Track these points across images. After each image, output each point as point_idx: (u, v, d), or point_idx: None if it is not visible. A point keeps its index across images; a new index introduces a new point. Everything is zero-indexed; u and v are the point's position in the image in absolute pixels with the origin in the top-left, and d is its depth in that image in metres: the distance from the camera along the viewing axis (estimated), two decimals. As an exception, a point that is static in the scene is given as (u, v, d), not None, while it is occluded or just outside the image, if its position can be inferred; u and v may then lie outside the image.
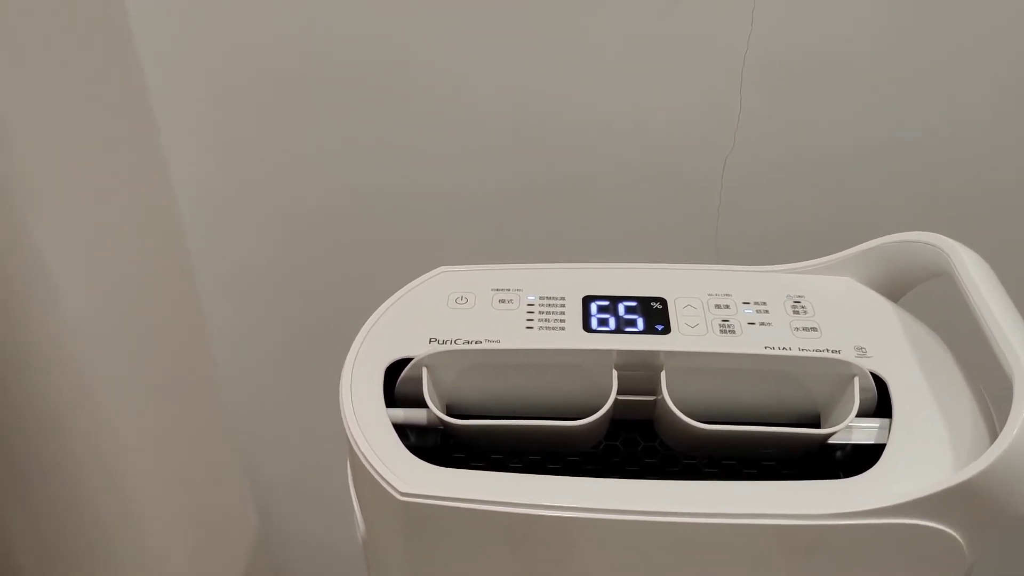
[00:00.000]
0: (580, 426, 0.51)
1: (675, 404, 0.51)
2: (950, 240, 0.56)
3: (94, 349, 0.71)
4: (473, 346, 0.55)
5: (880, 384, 0.53)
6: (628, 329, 0.56)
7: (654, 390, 0.54)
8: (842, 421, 0.51)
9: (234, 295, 0.90)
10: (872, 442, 0.52)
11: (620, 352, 0.54)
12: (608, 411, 0.52)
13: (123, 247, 0.75)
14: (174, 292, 0.83)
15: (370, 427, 0.51)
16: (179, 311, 0.85)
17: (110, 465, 0.75)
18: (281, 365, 0.94)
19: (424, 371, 0.53)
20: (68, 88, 0.67)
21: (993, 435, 0.49)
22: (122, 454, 0.76)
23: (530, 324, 0.57)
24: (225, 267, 0.88)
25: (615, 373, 0.53)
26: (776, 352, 0.54)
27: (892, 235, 0.59)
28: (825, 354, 0.54)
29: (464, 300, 0.59)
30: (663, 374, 0.53)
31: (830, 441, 0.53)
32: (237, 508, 1.00)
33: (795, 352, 0.54)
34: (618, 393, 0.53)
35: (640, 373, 0.54)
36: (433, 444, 0.55)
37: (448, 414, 0.54)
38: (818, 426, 0.55)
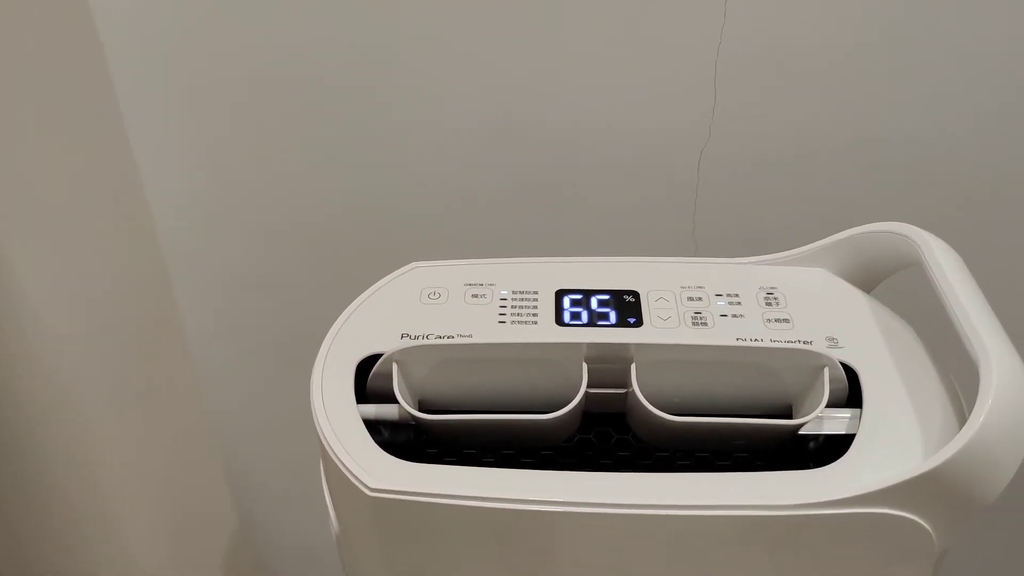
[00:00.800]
0: (550, 420, 0.51)
1: (646, 397, 0.52)
2: (920, 230, 0.56)
3: (66, 349, 0.71)
4: (444, 340, 0.55)
5: (851, 374, 0.53)
6: (600, 323, 0.56)
7: (625, 383, 0.54)
8: (812, 411, 0.51)
9: (210, 294, 0.89)
10: (843, 432, 0.52)
11: (589, 345, 0.54)
12: (579, 404, 0.52)
13: (95, 248, 0.75)
14: (149, 292, 0.83)
15: (340, 423, 0.51)
16: (154, 310, 0.84)
17: (85, 464, 0.75)
18: (259, 363, 0.94)
19: (394, 367, 0.53)
20: (34, 89, 0.67)
21: (963, 425, 0.49)
22: (98, 452, 0.76)
23: (503, 319, 0.57)
24: (201, 266, 0.87)
25: (585, 366, 0.53)
26: (746, 344, 0.54)
27: (864, 226, 0.59)
28: (795, 344, 0.54)
29: (436, 295, 0.59)
30: (633, 367, 0.53)
31: (801, 432, 0.53)
32: (216, 506, 1.00)
33: (765, 344, 0.54)
34: (589, 386, 0.53)
35: (611, 366, 0.54)
36: (406, 440, 0.55)
37: (421, 409, 0.54)
38: (790, 417, 0.55)
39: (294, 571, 1.14)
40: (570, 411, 0.51)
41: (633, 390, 0.52)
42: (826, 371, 0.52)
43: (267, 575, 1.14)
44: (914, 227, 0.56)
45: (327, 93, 0.78)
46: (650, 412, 0.51)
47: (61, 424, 0.72)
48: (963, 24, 0.72)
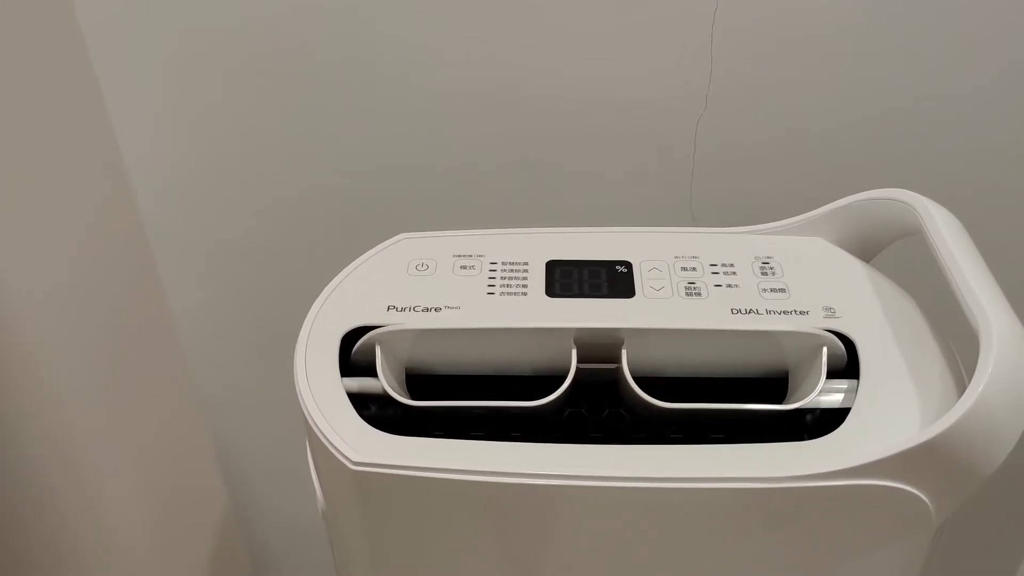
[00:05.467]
0: (538, 406, 0.50)
1: (639, 363, 0.50)
2: (920, 196, 0.54)
3: (44, 326, 0.69)
4: (431, 314, 0.54)
5: (849, 344, 0.52)
6: (592, 293, 0.55)
7: (616, 357, 0.52)
8: (808, 391, 0.50)
9: (195, 271, 0.88)
10: (839, 406, 0.51)
11: (579, 331, 0.52)
12: (567, 388, 0.51)
13: (74, 227, 0.73)
14: (131, 267, 0.82)
15: (324, 397, 0.50)
16: (136, 285, 0.83)
17: (68, 446, 0.74)
18: (245, 337, 0.93)
19: (377, 349, 0.52)
20: (9, 68, 0.65)
21: (961, 394, 0.48)
22: (81, 433, 0.75)
23: (491, 290, 0.56)
24: (184, 240, 0.86)
25: (575, 350, 0.52)
26: (738, 327, 0.52)
27: (862, 193, 0.58)
28: (791, 316, 0.53)
29: (424, 266, 0.58)
30: (623, 349, 0.52)
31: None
32: (205, 483, 0.99)
33: (760, 326, 0.52)
34: (580, 361, 0.52)
35: (601, 343, 0.52)
36: (394, 413, 0.53)
37: (408, 374, 0.53)
38: (786, 379, 0.54)
39: (284, 549, 1.13)
40: (558, 397, 0.50)
41: (624, 376, 0.51)
42: (824, 351, 0.51)
43: (257, 552, 1.13)
44: (914, 194, 0.55)
45: (312, 64, 0.76)
46: (641, 398, 0.49)
47: (39, 402, 0.70)
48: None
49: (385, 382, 0.51)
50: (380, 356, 0.52)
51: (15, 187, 0.66)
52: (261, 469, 1.05)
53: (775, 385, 0.54)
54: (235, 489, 1.05)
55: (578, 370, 0.51)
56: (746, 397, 0.52)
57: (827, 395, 0.51)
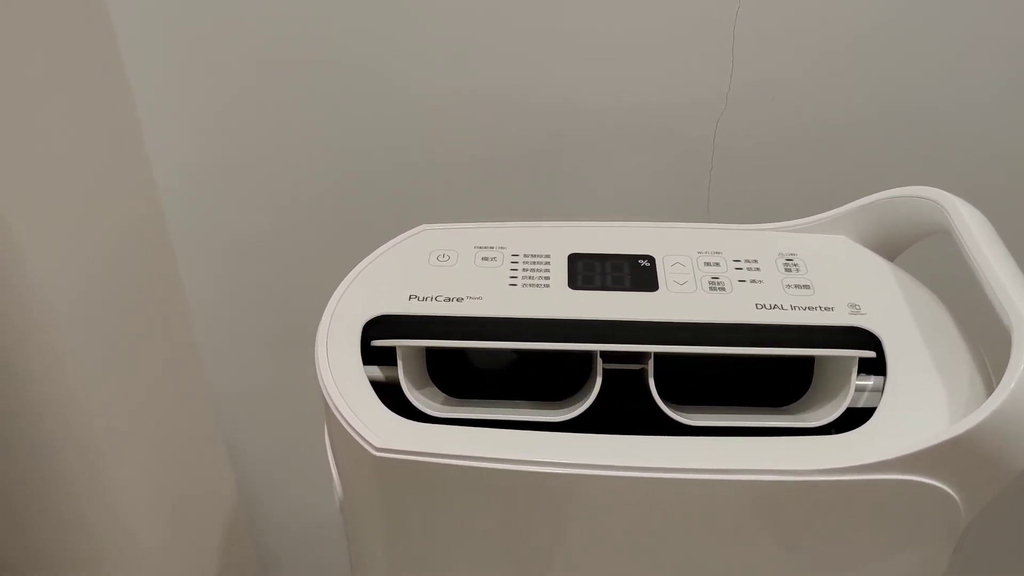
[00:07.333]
0: (563, 422, 0.50)
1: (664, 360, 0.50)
2: (948, 194, 0.54)
3: (66, 321, 0.69)
4: (453, 303, 0.53)
5: (875, 341, 0.51)
6: (615, 286, 0.55)
7: (641, 358, 0.52)
8: (835, 397, 0.50)
9: (213, 267, 0.87)
10: (865, 405, 0.50)
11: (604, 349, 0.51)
12: (592, 402, 0.50)
13: (98, 220, 0.73)
14: (152, 264, 0.82)
15: (345, 383, 0.49)
16: (157, 283, 0.83)
17: (84, 437, 0.74)
18: (263, 330, 0.92)
19: (400, 360, 0.51)
20: (39, 54, 0.65)
21: (990, 392, 0.47)
22: (97, 426, 0.74)
23: (513, 281, 0.55)
24: (204, 239, 0.85)
25: (600, 362, 0.51)
26: (770, 349, 0.51)
27: (888, 191, 0.57)
28: (816, 312, 0.52)
29: (446, 257, 0.57)
30: (650, 362, 0.51)
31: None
32: (216, 481, 0.99)
33: (790, 348, 0.51)
34: (604, 361, 0.51)
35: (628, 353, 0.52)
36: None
37: (428, 351, 0.54)
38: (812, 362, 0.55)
39: (292, 550, 1.12)
40: (583, 412, 0.50)
41: (650, 391, 0.50)
42: (855, 364, 0.50)
43: (264, 553, 1.12)
44: (943, 191, 0.54)
45: (333, 59, 0.76)
46: (667, 415, 0.49)
47: (59, 395, 0.70)
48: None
49: (408, 391, 0.51)
50: (402, 368, 0.51)
51: (47, 177, 0.66)
52: (272, 469, 1.04)
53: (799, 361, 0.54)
54: (245, 489, 1.04)
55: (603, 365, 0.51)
56: (770, 376, 0.51)
57: (855, 395, 0.50)
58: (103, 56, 0.73)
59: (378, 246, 0.59)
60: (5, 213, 0.62)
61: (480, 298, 0.54)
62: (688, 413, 0.51)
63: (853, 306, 0.53)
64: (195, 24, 0.75)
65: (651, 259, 0.57)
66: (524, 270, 0.56)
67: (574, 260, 0.57)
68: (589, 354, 0.52)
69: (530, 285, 0.55)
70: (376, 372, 0.51)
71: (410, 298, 0.54)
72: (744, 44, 0.72)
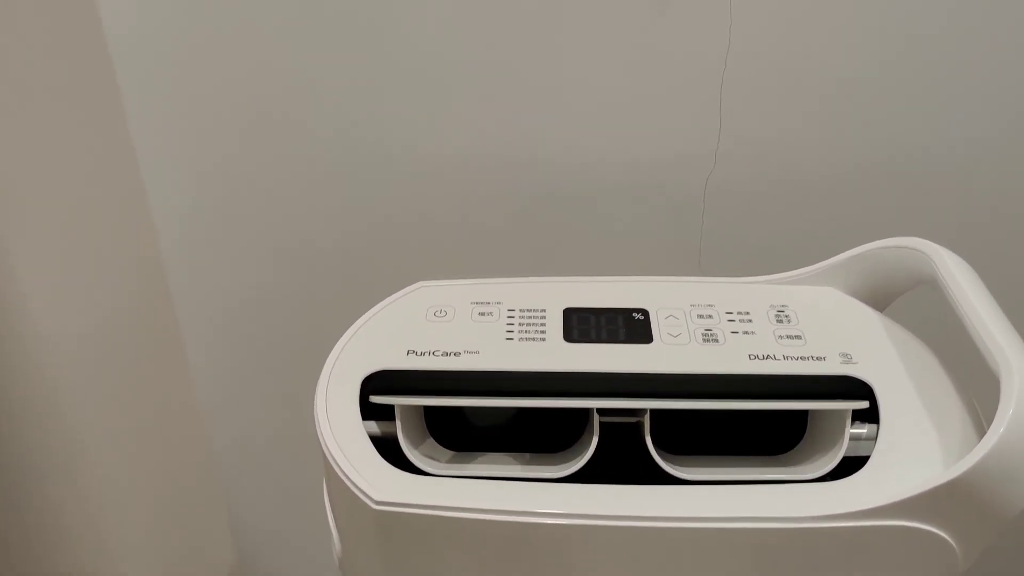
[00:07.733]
0: (560, 478, 0.50)
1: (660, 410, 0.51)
2: (933, 244, 0.55)
3: (66, 375, 0.70)
4: (451, 358, 0.54)
5: (866, 389, 0.52)
6: (610, 339, 0.55)
7: (637, 412, 0.52)
8: (830, 450, 0.51)
9: (212, 310, 0.88)
10: (859, 454, 0.51)
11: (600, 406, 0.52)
12: (588, 459, 0.51)
13: (97, 264, 0.74)
14: (150, 307, 0.82)
15: (345, 437, 0.49)
16: (155, 326, 0.83)
17: (81, 485, 0.74)
18: (261, 382, 0.92)
19: (397, 419, 0.52)
20: (42, 100, 0.67)
21: (982, 437, 0.48)
22: (94, 473, 0.74)
23: (510, 335, 0.56)
24: (203, 282, 0.86)
25: (597, 417, 0.52)
26: (765, 403, 0.52)
27: (874, 242, 0.59)
28: (808, 362, 0.53)
29: (443, 313, 0.58)
30: (647, 416, 0.51)
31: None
32: (214, 537, 0.98)
33: (786, 402, 0.52)
34: (601, 415, 0.52)
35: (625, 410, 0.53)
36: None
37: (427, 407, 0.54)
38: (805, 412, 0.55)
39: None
40: (579, 469, 0.50)
41: (647, 444, 0.51)
42: (848, 417, 0.51)
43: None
44: (928, 242, 0.56)
45: (333, 112, 0.78)
46: (663, 470, 0.50)
47: (57, 443, 0.71)
48: (973, 39, 0.72)
49: (407, 449, 0.51)
50: (400, 427, 0.52)
51: (48, 222, 0.68)
52: (270, 525, 1.03)
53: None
54: (243, 545, 1.03)
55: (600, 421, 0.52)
56: (765, 424, 0.52)
57: (849, 444, 0.51)
58: (106, 107, 0.75)
59: (377, 302, 0.60)
60: (11, 261, 0.63)
61: (477, 352, 0.55)
62: (684, 467, 0.51)
63: (844, 355, 0.54)
64: (198, 75, 0.77)
65: (645, 312, 0.58)
66: (520, 324, 0.57)
67: (569, 314, 0.58)
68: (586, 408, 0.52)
69: (527, 339, 0.56)
70: (375, 428, 0.52)
71: (408, 353, 0.55)
72: (731, 104, 0.75)
